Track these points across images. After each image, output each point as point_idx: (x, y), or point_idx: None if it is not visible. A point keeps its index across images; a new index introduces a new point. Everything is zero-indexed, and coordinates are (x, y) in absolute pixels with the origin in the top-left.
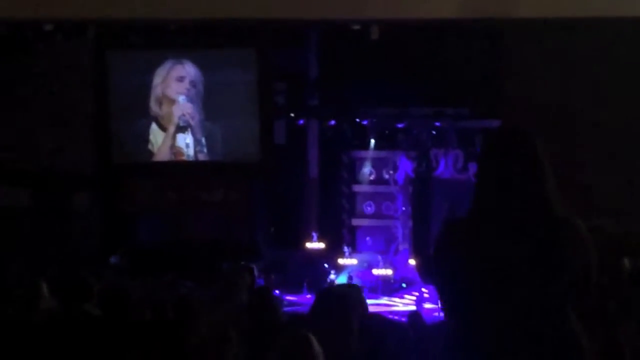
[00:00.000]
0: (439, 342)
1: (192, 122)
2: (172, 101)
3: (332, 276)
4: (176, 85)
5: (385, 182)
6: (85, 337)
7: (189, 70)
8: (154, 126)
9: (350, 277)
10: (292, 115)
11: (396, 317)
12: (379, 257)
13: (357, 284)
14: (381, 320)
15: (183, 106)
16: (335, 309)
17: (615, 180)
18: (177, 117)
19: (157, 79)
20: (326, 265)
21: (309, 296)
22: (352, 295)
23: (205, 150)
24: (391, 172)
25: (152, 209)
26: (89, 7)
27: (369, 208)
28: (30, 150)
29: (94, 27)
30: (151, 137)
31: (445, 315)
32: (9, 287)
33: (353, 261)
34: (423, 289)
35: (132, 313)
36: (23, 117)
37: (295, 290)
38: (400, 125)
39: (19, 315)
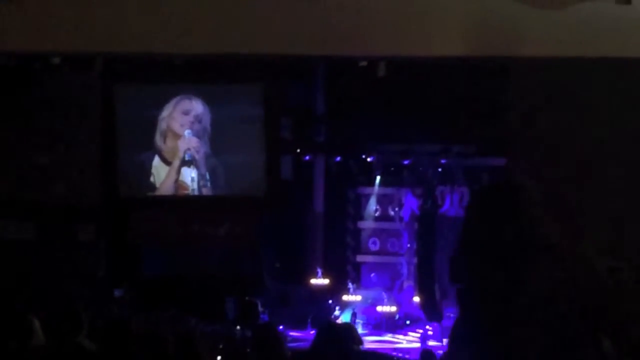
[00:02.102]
0: None
1: (197, 157)
2: (177, 135)
3: (336, 312)
4: (181, 119)
5: (391, 219)
6: None
7: (195, 105)
8: (156, 159)
9: (354, 314)
10: (299, 150)
11: (400, 354)
12: (384, 294)
13: (349, 322)
14: (378, 357)
15: (189, 140)
16: (333, 344)
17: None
18: (182, 151)
19: (164, 113)
20: (330, 302)
21: (312, 332)
22: (347, 331)
23: (209, 184)
24: (397, 208)
25: (157, 242)
26: (96, 40)
27: (374, 245)
28: (36, 182)
29: (102, 61)
30: (153, 170)
31: None
32: (8, 321)
33: (357, 297)
34: (427, 327)
35: (133, 347)
36: (29, 149)
37: (299, 326)
38: (406, 162)
39: (9, 352)
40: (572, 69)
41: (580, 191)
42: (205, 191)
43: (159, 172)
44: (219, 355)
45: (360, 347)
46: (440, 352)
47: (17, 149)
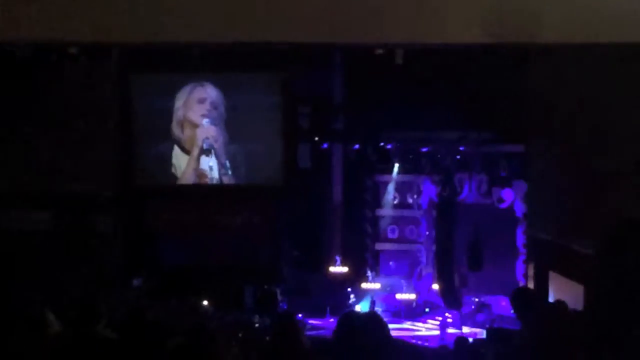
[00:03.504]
0: None
1: (215, 145)
2: (195, 124)
3: (351, 300)
4: (197, 108)
5: (409, 207)
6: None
7: (209, 92)
8: (176, 149)
9: (373, 302)
10: (317, 139)
11: (419, 342)
12: (403, 282)
13: (375, 310)
14: (404, 345)
15: (207, 129)
16: (357, 334)
17: None
18: (201, 140)
19: (178, 102)
20: (350, 290)
21: (332, 320)
22: (374, 320)
23: (230, 172)
24: (415, 196)
25: (176, 231)
26: (112, 30)
27: (392, 232)
28: (54, 173)
29: (118, 51)
30: (174, 160)
31: None
32: (27, 312)
33: (376, 285)
34: (446, 314)
35: (151, 336)
36: (46, 139)
37: (319, 314)
38: (424, 150)
39: (26, 344)
40: (590, 55)
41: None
42: (226, 179)
43: (180, 162)
44: (238, 343)
45: (387, 335)
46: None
47: (34, 139)
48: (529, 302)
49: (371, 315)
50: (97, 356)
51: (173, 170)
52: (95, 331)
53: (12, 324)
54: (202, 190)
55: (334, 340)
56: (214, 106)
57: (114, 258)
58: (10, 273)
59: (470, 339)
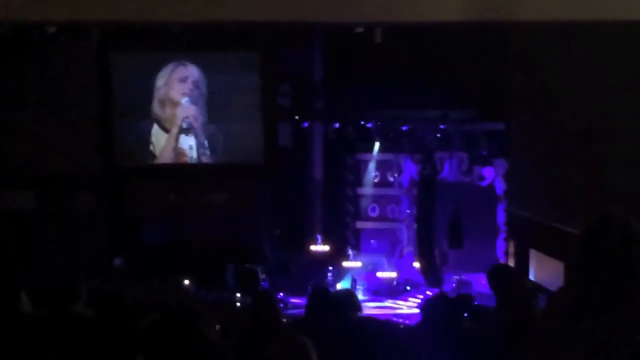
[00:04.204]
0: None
1: (195, 124)
2: (176, 103)
3: (330, 278)
4: (179, 86)
5: (390, 185)
6: (75, 339)
7: (191, 71)
8: (155, 128)
9: (354, 280)
10: (297, 117)
11: (400, 320)
12: (384, 260)
13: (349, 288)
14: (374, 322)
15: (187, 108)
16: (329, 311)
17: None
18: (181, 119)
19: (160, 81)
20: (330, 268)
21: None
22: (344, 298)
23: (208, 152)
24: (396, 174)
25: (156, 211)
26: (92, 9)
27: (373, 211)
28: (35, 152)
29: (98, 30)
30: (153, 138)
31: None
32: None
33: (357, 264)
34: (428, 292)
35: (132, 315)
36: (26, 120)
37: (300, 293)
38: (404, 128)
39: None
40: (570, 33)
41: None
42: (205, 159)
43: (159, 140)
44: (219, 322)
45: (359, 313)
46: None
47: (14, 119)
48: (505, 278)
49: (345, 292)
50: (74, 335)
51: (151, 148)
52: (72, 310)
53: None
54: (182, 169)
55: (307, 316)
56: (196, 85)
57: (95, 237)
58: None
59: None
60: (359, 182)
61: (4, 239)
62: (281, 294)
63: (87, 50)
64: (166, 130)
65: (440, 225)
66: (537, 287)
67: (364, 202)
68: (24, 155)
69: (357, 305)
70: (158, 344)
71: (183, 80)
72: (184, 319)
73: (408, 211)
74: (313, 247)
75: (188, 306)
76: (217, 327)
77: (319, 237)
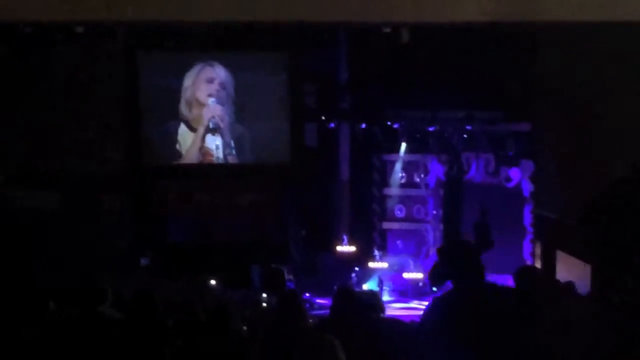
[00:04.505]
0: None
1: (221, 124)
2: (202, 104)
3: (356, 279)
4: (206, 87)
5: (417, 186)
6: (100, 339)
7: (218, 72)
8: (182, 127)
9: (380, 281)
10: (324, 118)
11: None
12: (410, 261)
13: (373, 289)
14: (397, 323)
15: (213, 108)
16: (352, 311)
17: None
18: (207, 119)
19: (187, 81)
20: (356, 268)
21: None
22: (368, 298)
23: (234, 152)
24: (422, 175)
25: (182, 210)
26: (119, 9)
27: (400, 211)
28: (61, 151)
29: (125, 29)
30: (179, 138)
31: None
32: (38, 289)
33: (384, 264)
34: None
35: (160, 314)
36: (53, 119)
37: (326, 293)
38: (431, 129)
39: (28, 324)
40: (596, 34)
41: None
42: (231, 159)
43: (185, 140)
44: (245, 322)
45: (381, 314)
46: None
47: (41, 118)
48: (532, 280)
49: (369, 293)
50: (100, 336)
51: (178, 147)
52: (99, 311)
53: (15, 304)
54: (209, 169)
55: (331, 316)
56: (222, 86)
57: (121, 237)
58: (20, 252)
59: None
60: (385, 182)
61: (30, 239)
62: (307, 294)
63: (114, 50)
64: (193, 129)
65: (467, 226)
66: (570, 288)
67: (390, 203)
68: (51, 155)
69: (380, 306)
70: (190, 342)
71: (210, 81)
72: (217, 318)
73: (434, 212)
74: (339, 248)
75: (221, 305)
76: (244, 327)
77: (345, 237)
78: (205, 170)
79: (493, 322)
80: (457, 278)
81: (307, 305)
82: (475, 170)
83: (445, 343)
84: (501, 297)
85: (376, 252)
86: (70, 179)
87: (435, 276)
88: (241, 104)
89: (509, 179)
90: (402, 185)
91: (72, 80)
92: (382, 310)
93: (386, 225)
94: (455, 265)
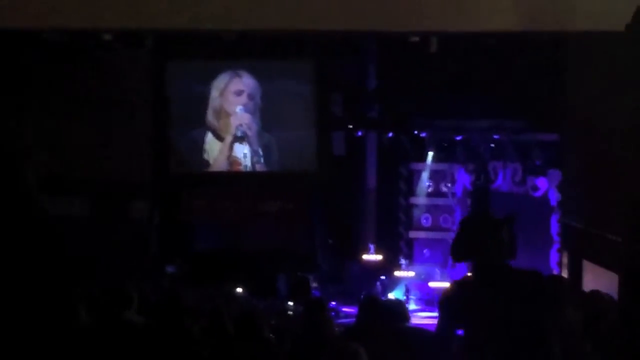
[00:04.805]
0: None
1: (249, 133)
2: (230, 114)
3: (380, 288)
4: (234, 99)
5: (443, 195)
6: (126, 346)
7: (247, 82)
8: (209, 136)
9: (407, 290)
10: (351, 126)
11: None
12: (436, 270)
13: (399, 298)
14: (424, 333)
15: (241, 116)
16: (378, 320)
17: None
18: (235, 127)
19: (215, 91)
20: (382, 277)
21: None
22: (395, 306)
23: (262, 160)
24: (449, 184)
25: (209, 218)
26: (147, 17)
27: (426, 220)
28: (90, 159)
29: (153, 38)
30: (207, 146)
31: None
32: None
33: (410, 273)
34: None
35: (187, 322)
36: (80, 126)
37: (352, 302)
38: (458, 138)
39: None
40: (625, 43)
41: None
42: (259, 167)
43: (212, 148)
44: (272, 331)
45: (408, 323)
46: None
47: (70, 126)
48: (558, 290)
49: (395, 302)
50: (125, 342)
51: (205, 156)
52: (125, 317)
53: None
54: (236, 177)
55: (357, 325)
56: (251, 97)
57: (148, 245)
58: (51, 258)
59: None
60: (412, 191)
61: (60, 246)
62: (333, 303)
63: (141, 58)
64: (220, 138)
65: None
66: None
67: (416, 212)
68: (80, 162)
69: (406, 315)
70: (216, 349)
71: (238, 94)
72: (244, 325)
73: None
74: (365, 256)
75: (247, 312)
76: (272, 335)
77: (371, 246)
78: (233, 178)
79: (513, 311)
80: (478, 254)
81: (333, 313)
82: (502, 180)
83: (463, 331)
84: (525, 282)
85: (402, 261)
86: (100, 186)
87: (455, 251)
88: (268, 112)
89: (536, 188)
90: (429, 194)
91: (100, 88)
92: (408, 319)
93: (413, 234)
94: (476, 240)
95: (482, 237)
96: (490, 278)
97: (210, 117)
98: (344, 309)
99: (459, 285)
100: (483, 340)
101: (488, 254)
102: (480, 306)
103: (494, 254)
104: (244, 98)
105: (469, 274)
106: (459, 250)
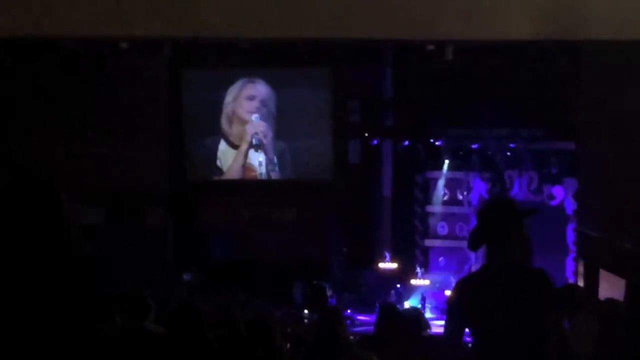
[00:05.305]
0: None
1: (264, 141)
2: (244, 120)
3: (396, 296)
4: (247, 104)
5: (459, 203)
6: (145, 355)
7: (260, 89)
8: (222, 144)
9: (423, 298)
10: (366, 134)
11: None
12: (452, 278)
13: (417, 307)
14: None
15: (256, 124)
16: (398, 329)
17: None
18: (250, 135)
19: (229, 97)
20: (398, 286)
21: None
22: (413, 315)
23: (277, 168)
24: (465, 192)
25: (224, 226)
26: (164, 25)
27: (442, 229)
28: (105, 167)
29: (169, 46)
30: (220, 154)
31: None
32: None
33: (425, 282)
34: None
35: (204, 330)
36: (98, 134)
37: (368, 310)
38: (474, 146)
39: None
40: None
41: None
42: (274, 175)
43: (226, 156)
44: (288, 339)
45: (427, 331)
46: None
47: (86, 134)
48: (575, 298)
49: (410, 309)
50: (144, 351)
51: (219, 164)
52: (142, 326)
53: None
54: (251, 185)
55: (375, 330)
56: (264, 104)
57: (164, 253)
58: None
59: None
60: (427, 199)
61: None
62: (349, 311)
63: (158, 66)
64: (233, 146)
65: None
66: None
67: (432, 220)
68: (96, 170)
69: (425, 324)
70: (232, 357)
71: (250, 98)
72: (258, 332)
73: None
74: (381, 265)
75: (261, 319)
76: (288, 345)
77: (387, 254)
78: (248, 186)
79: (520, 311)
80: (493, 244)
81: (349, 321)
82: (518, 188)
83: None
84: (530, 283)
85: (418, 270)
86: (115, 194)
87: (472, 239)
88: (284, 120)
89: (552, 197)
90: (445, 203)
91: (117, 95)
92: (428, 327)
93: (428, 242)
94: (492, 228)
95: (498, 226)
96: (498, 277)
97: (224, 124)
98: (360, 317)
99: (463, 287)
100: (487, 343)
101: (509, 246)
102: (483, 309)
103: (514, 247)
104: (255, 103)
105: (473, 271)
106: (474, 241)
